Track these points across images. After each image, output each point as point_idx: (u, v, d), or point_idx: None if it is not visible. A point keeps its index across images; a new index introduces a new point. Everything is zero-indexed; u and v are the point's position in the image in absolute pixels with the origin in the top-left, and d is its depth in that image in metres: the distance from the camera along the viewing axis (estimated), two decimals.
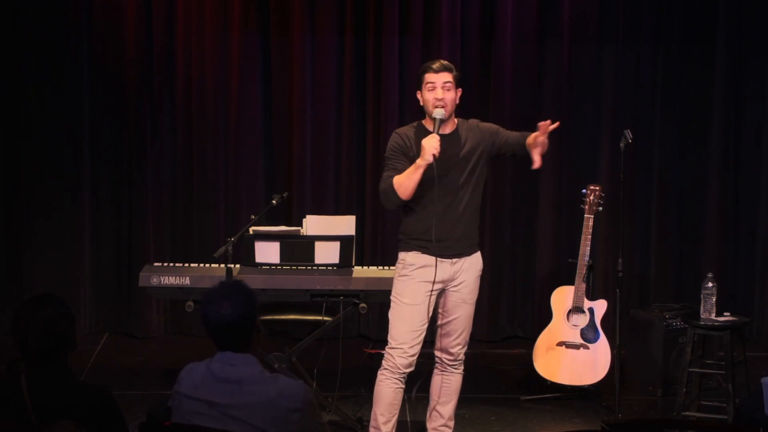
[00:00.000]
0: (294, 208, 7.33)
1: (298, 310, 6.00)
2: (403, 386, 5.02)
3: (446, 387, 5.13)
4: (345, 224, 5.81)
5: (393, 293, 5.00)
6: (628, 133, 6.05)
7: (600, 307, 6.24)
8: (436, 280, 4.92)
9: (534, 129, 7.40)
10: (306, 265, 5.80)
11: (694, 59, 7.45)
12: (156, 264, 6.17)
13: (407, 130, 5.01)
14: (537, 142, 4.87)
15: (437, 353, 5.11)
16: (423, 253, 4.93)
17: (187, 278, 5.83)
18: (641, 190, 7.51)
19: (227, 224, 7.40)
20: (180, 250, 7.42)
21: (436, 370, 5.15)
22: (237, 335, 3.40)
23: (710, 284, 5.77)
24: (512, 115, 7.44)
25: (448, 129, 4.98)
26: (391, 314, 4.99)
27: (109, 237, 7.51)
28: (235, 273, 5.66)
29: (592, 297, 6.28)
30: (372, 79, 7.39)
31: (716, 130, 7.47)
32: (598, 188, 6.22)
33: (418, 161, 4.80)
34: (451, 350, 5.07)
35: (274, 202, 5.86)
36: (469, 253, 5.02)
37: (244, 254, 5.78)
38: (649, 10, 7.42)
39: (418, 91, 4.99)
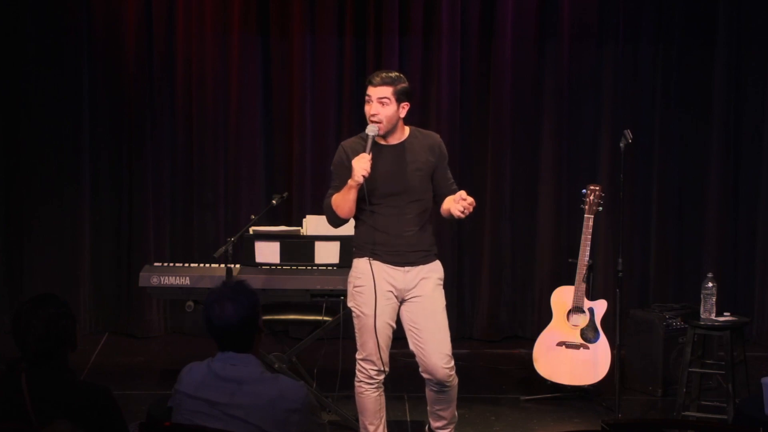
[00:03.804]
0: (294, 208, 7.33)
1: (298, 310, 6.00)
2: (382, 388, 4.96)
3: (443, 398, 4.99)
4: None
5: (353, 304, 4.92)
6: (628, 133, 6.06)
7: (600, 307, 6.24)
8: (391, 287, 4.86)
9: (534, 129, 7.47)
10: (306, 265, 5.80)
11: (694, 59, 7.45)
12: (156, 264, 6.17)
13: (353, 143, 4.94)
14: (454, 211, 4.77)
15: (425, 375, 4.94)
16: (375, 259, 4.85)
17: (187, 278, 5.83)
18: (641, 190, 7.51)
19: (227, 224, 7.40)
20: (180, 250, 7.42)
21: (429, 387, 4.97)
22: (239, 337, 3.40)
23: (710, 284, 5.76)
24: (512, 115, 7.45)
25: (395, 139, 4.91)
26: (356, 327, 4.92)
27: (109, 237, 7.51)
28: (235, 273, 5.66)
29: (592, 297, 6.28)
30: None
31: (716, 129, 7.47)
32: (598, 188, 6.22)
33: (350, 182, 4.75)
34: (439, 372, 4.88)
35: (274, 202, 5.86)
36: (423, 263, 4.92)
37: (244, 254, 5.78)
38: (649, 9, 7.42)
39: None
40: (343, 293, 5.59)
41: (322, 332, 5.80)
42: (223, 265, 5.73)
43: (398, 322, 4.97)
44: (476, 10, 7.38)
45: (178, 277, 5.83)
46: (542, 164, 7.50)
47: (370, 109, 4.86)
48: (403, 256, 4.87)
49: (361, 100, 7.34)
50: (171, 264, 6.18)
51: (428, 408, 5.09)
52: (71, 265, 7.47)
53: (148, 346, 7.31)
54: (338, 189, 4.86)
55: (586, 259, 6.19)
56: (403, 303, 4.92)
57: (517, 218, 7.56)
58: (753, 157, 7.51)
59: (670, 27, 7.44)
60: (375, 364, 4.88)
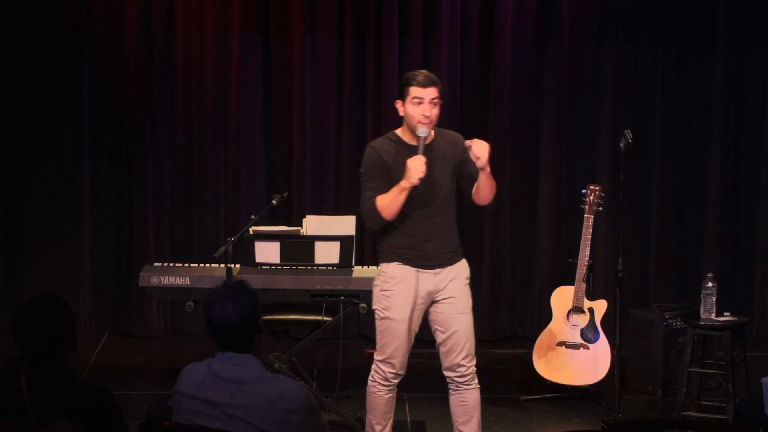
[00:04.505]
0: (294, 208, 7.33)
1: (298, 310, 6.00)
2: (395, 391, 4.96)
3: (463, 406, 4.97)
4: (345, 224, 5.81)
5: (378, 307, 4.89)
6: (628, 133, 6.06)
7: (600, 307, 6.24)
8: (421, 292, 4.83)
9: (534, 129, 7.48)
10: (306, 265, 5.80)
11: (694, 59, 7.45)
12: (156, 264, 6.17)
13: (383, 144, 4.88)
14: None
15: (446, 373, 4.95)
16: (405, 264, 4.83)
17: (187, 278, 5.83)
18: (641, 190, 7.51)
19: (227, 224, 7.40)
20: (180, 250, 7.42)
21: (450, 391, 4.99)
22: (239, 337, 3.40)
23: (710, 284, 5.77)
24: (512, 115, 7.45)
25: (426, 140, 4.85)
26: (378, 329, 4.89)
27: (109, 237, 7.51)
28: (235, 273, 5.66)
29: (592, 297, 6.28)
30: (372, 79, 7.39)
31: (716, 129, 7.48)
32: (598, 188, 6.22)
33: (404, 183, 4.68)
34: (458, 368, 4.92)
35: (274, 202, 5.86)
36: (451, 263, 4.89)
37: (244, 254, 5.78)
38: (649, 9, 7.42)
39: (399, 101, 4.83)
40: (343, 293, 5.59)
41: (322, 332, 5.80)
42: (223, 265, 5.73)
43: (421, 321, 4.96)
44: (476, 10, 7.38)
45: (178, 277, 5.83)
46: (542, 164, 7.50)
47: (423, 110, 4.75)
48: (432, 259, 4.83)
49: (360, 100, 7.45)
50: (171, 264, 6.18)
51: (454, 426, 5.03)
52: (71, 265, 7.47)
53: (148, 346, 7.31)
54: (377, 191, 4.78)
55: (586, 259, 6.19)
56: (432, 304, 4.90)
57: (517, 218, 7.55)
58: (753, 157, 7.52)
59: (670, 27, 7.44)
60: (394, 367, 4.88)
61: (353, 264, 5.81)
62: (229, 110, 7.44)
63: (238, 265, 5.80)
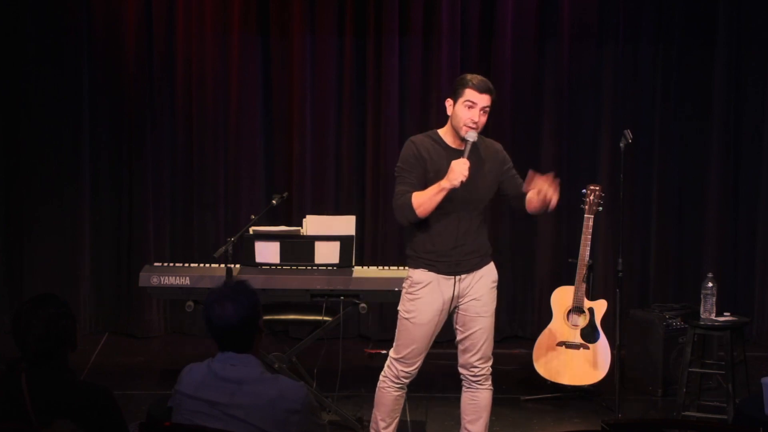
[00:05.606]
0: (294, 208, 7.34)
1: (298, 310, 6.00)
2: (405, 390, 4.97)
3: (473, 404, 4.96)
4: (345, 224, 5.80)
5: (401, 308, 4.88)
6: (628, 133, 6.06)
7: (600, 307, 6.24)
8: (445, 298, 4.80)
9: (534, 129, 7.47)
10: (306, 265, 5.80)
11: (694, 59, 7.46)
12: (156, 264, 6.17)
13: (424, 141, 4.81)
14: (538, 197, 4.75)
15: (461, 370, 4.95)
16: (430, 270, 4.80)
17: (187, 278, 5.82)
18: (641, 190, 7.51)
19: (227, 224, 7.41)
20: (180, 250, 7.42)
21: (463, 388, 4.99)
22: (239, 337, 3.40)
23: (710, 284, 5.77)
24: (512, 115, 7.45)
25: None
26: (398, 328, 4.89)
27: (109, 237, 7.52)
28: (235, 273, 5.66)
29: (592, 297, 6.28)
30: (372, 79, 7.39)
31: (716, 129, 7.48)
32: (598, 188, 6.22)
33: (444, 184, 4.62)
34: (472, 368, 4.91)
35: (274, 202, 5.86)
36: (479, 267, 4.86)
37: (244, 254, 5.77)
38: (649, 9, 7.42)
39: (450, 99, 4.77)
40: (343, 293, 5.58)
41: (322, 332, 5.80)
42: (223, 265, 5.73)
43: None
44: (476, 10, 7.38)
45: (178, 277, 5.83)
46: (542, 164, 7.49)
47: (472, 115, 4.71)
48: (458, 266, 4.80)
49: (361, 100, 7.45)
50: (171, 264, 6.18)
51: (461, 425, 5.04)
52: (71, 265, 7.48)
53: (148, 346, 7.31)
54: (414, 186, 4.72)
55: (586, 259, 6.19)
56: (456, 307, 4.88)
57: (517, 218, 7.55)
58: (753, 157, 7.52)
59: (670, 27, 7.44)
60: (407, 367, 4.89)
61: (353, 264, 5.80)
62: (229, 110, 7.45)
63: (238, 265, 5.80)
